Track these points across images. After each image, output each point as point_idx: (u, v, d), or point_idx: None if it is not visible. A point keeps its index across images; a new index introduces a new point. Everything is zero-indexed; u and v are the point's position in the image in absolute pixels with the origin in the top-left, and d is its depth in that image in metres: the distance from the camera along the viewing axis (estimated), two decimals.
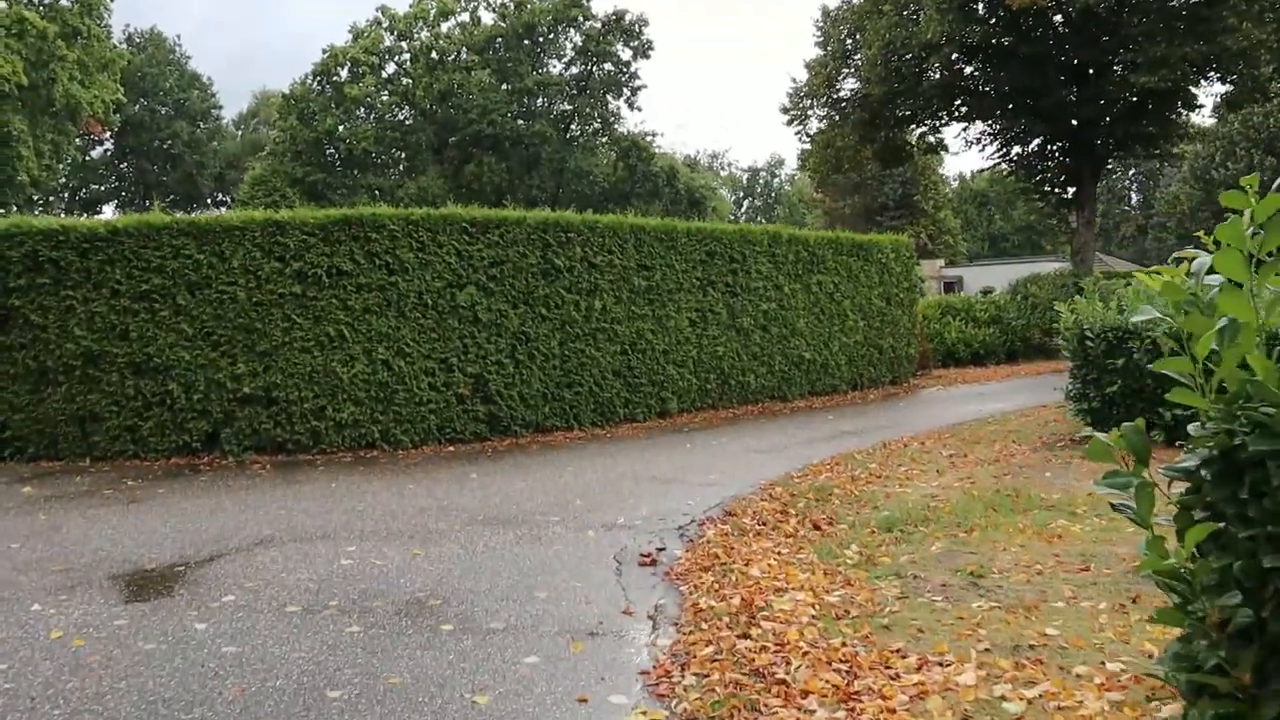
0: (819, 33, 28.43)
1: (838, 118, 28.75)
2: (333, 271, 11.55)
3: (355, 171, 48.31)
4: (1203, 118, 31.19)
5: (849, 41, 27.68)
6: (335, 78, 47.39)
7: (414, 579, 6.11)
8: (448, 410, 12.04)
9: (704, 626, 5.21)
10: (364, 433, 11.58)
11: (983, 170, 42.45)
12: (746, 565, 6.45)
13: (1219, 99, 27.44)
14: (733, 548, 6.98)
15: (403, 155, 49.53)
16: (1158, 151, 29.19)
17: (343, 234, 11.62)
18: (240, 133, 75.27)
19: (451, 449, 11.76)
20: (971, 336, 24.19)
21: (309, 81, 47.88)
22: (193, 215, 11.79)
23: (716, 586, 5.96)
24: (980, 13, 25.48)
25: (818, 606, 5.55)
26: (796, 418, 14.65)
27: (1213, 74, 25.31)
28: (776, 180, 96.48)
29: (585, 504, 8.42)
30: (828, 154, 29.24)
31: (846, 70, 28.26)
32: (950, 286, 40.20)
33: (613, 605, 5.63)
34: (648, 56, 46.81)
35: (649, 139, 47.17)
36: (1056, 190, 29.03)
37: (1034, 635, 5.06)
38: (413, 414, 11.78)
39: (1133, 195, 79.85)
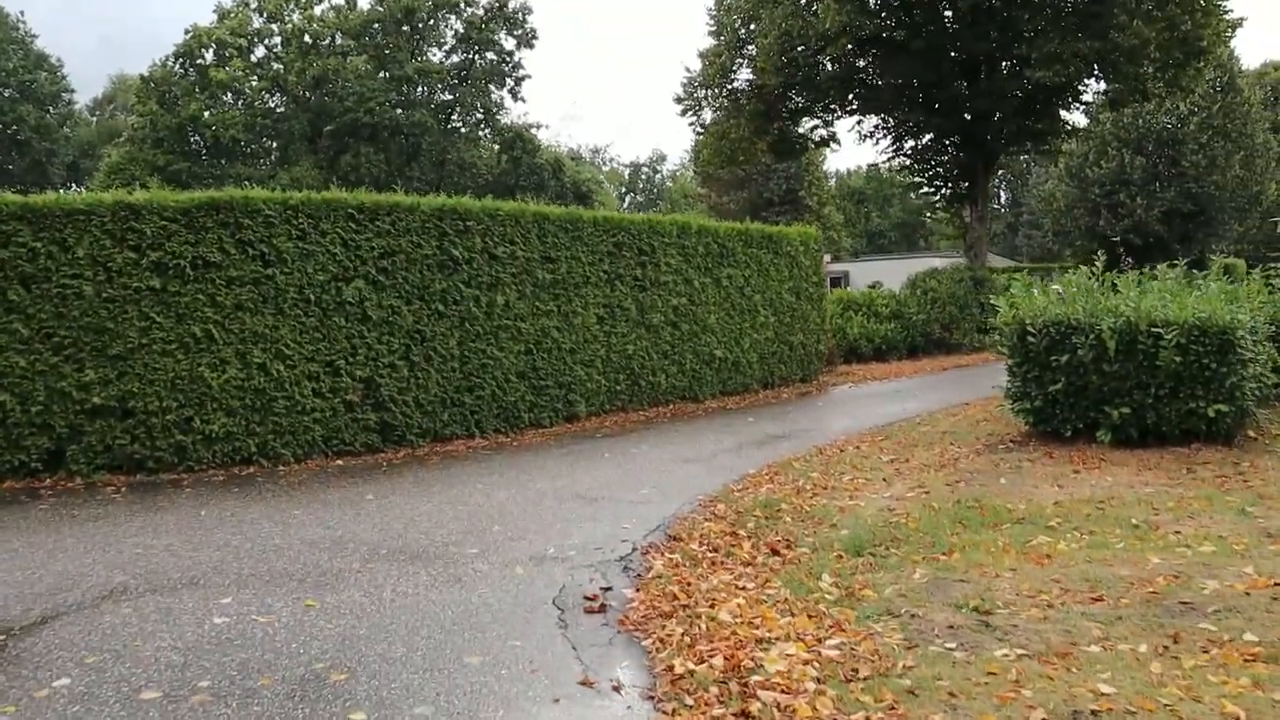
0: (713, 22, 27.68)
1: (732, 108, 28.04)
2: (198, 263, 10.06)
3: (223, 161, 45.49)
4: (1079, 116, 31.51)
5: (743, 31, 26.97)
6: (200, 60, 44.55)
7: (309, 643, 4.88)
8: (335, 419, 10.68)
9: (688, 701, 4.16)
10: (238, 447, 10.13)
11: (875, 164, 42.44)
12: (713, 607, 5.43)
13: (1102, 98, 27.64)
14: (689, 583, 5.95)
15: (274, 144, 46.92)
16: (1046, 147, 29.40)
17: (209, 220, 10.13)
18: (96, 119, 70.78)
19: (340, 463, 10.41)
20: (874, 332, 23.74)
21: (170, 64, 44.91)
22: (27, 196, 10.10)
23: (687, 640, 4.91)
24: (876, 4, 25.08)
25: (817, 664, 4.56)
26: (714, 420, 13.72)
27: (1099, 72, 25.43)
28: (659, 175, 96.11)
29: (506, 531, 7.27)
30: (722, 145, 28.51)
31: (741, 60, 27.56)
32: (837, 281, 40.04)
33: (565, 672, 4.53)
34: (531, 46, 45.46)
35: (533, 130, 45.87)
36: (950, 184, 28.93)
37: (1087, 694, 4.18)
38: (295, 424, 10.38)
39: (1001, 194, 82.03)
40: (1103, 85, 26.83)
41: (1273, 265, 13.50)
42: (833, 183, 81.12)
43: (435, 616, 5.27)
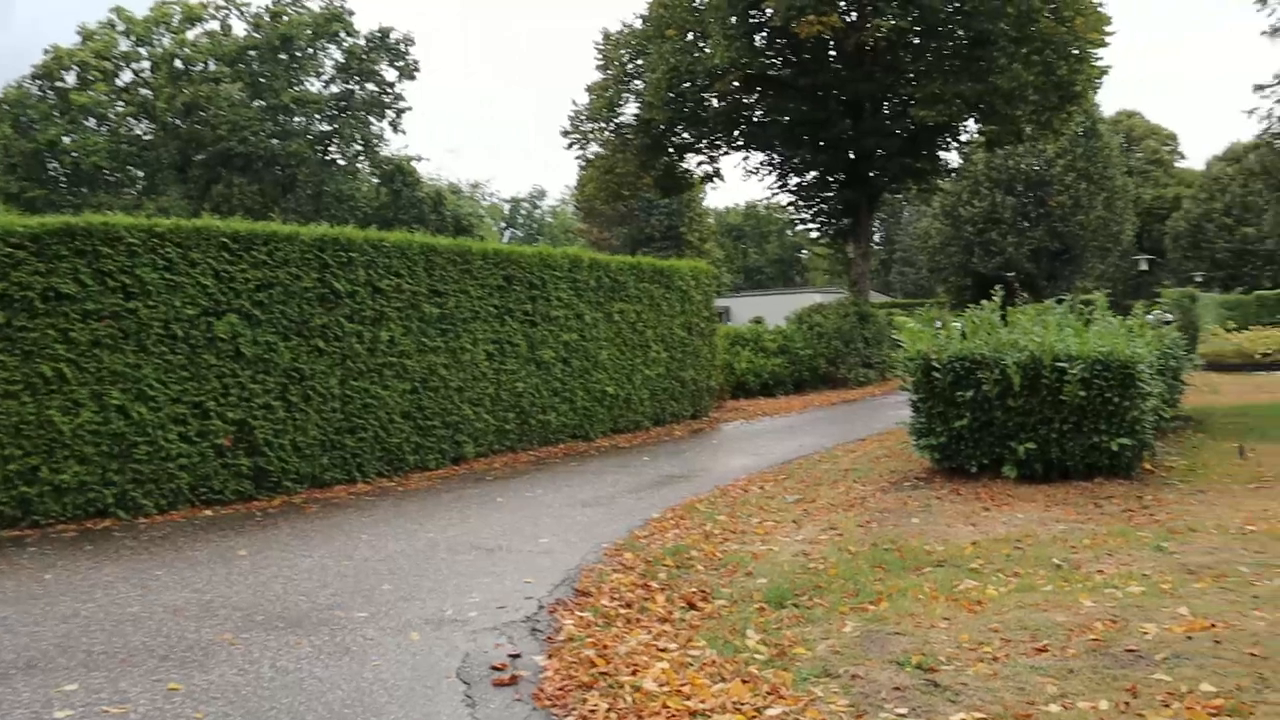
0: (600, 56, 27.48)
1: (619, 143, 27.82)
2: (49, 295, 9.10)
3: (84, 189, 43.03)
4: (955, 156, 32.37)
5: (631, 66, 26.84)
6: (60, 83, 42.19)
7: None
8: (204, 465, 9.78)
9: None
10: (93, 498, 9.15)
11: (753, 202, 42.86)
12: (636, 674, 4.90)
13: (979, 138, 28.38)
14: (605, 646, 5.40)
15: (141, 173, 44.66)
16: (927, 186, 30.03)
17: (63, 247, 9.19)
18: None
19: (209, 513, 9.51)
20: (761, 366, 23.64)
21: (26, 85, 42.44)
22: None
23: (613, 717, 4.36)
24: (764, 42, 25.25)
25: None
26: (608, 460, 13.20)
27: (977, 114, 26.07)
28: (539, 210, 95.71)
29: (397, 589, 6.59)
30: (608, 180, 28.24)
31: (628, 95, 27.41)
32: (718, 317, 40.19)
33: None
34: (413, 77, 44.57)
35: (414, 163, 44.89)
36: (834, 221, 29.25)
37: None
38: (158, 472, 9.45)
39: (876, 232, 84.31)
40: (980, 126, 27.51)
41: (1129, 300, 13.77)
42: (711, 219, 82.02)
43: (322, 698, 4.60)
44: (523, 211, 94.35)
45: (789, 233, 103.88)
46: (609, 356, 15.51)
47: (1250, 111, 28.11)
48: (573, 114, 28.28)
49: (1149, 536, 7.92)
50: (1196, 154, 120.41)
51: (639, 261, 16.60)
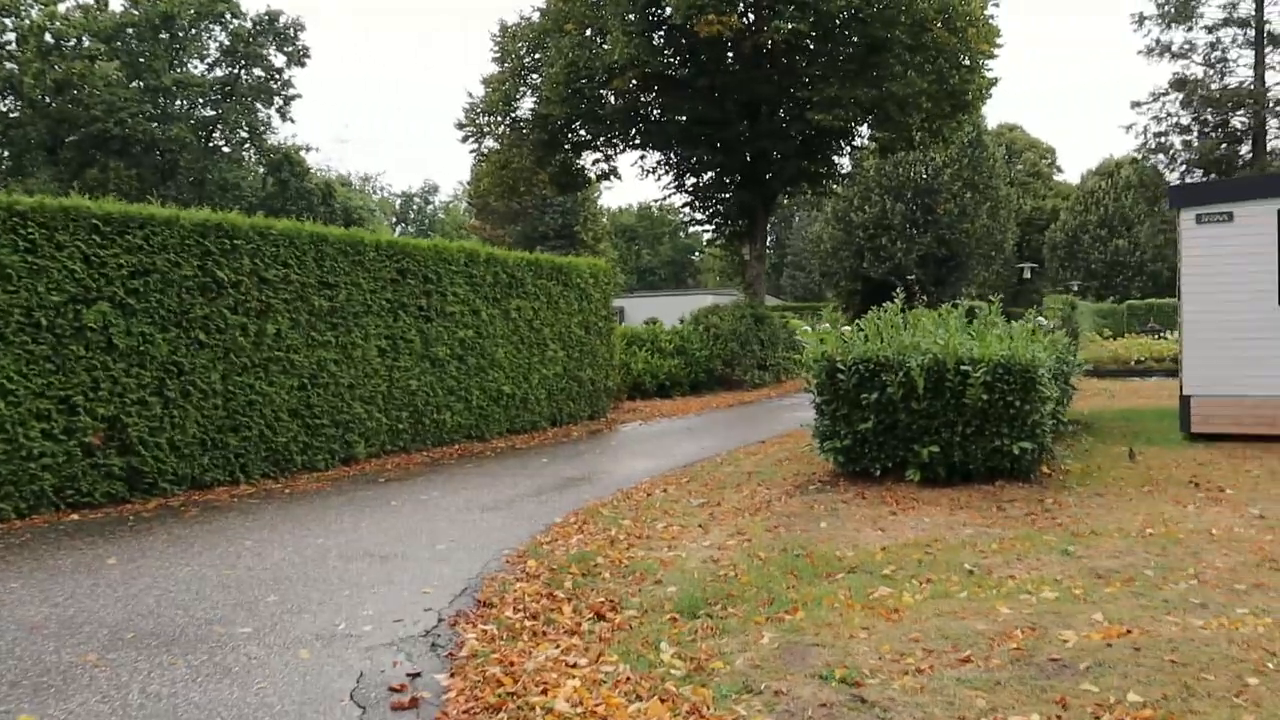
0: (497, 48, 26.91)
1: (515, 137, 27.32)
2: None
3: None
4: (847, 162, 32.77)
5: (529, 59, 26.38)
6: None
7: None
8: (70, 465, 9.05)
9: None
10: None
11: (646, 203, 42.79)
12: (546, 694, 4.56)
13: (873, 144, 28.77)
14: (512, 662, 5.05)
15: (6, 153, 42.12)
16: (822, 189, 30.31)
17: None
18: None
19: (76, 517, 8.80)
20: (658, 367, 23.47)
21: None
22: None
23: None
24: (662, 40, 25.10)
25: None
26: (506, 462, 12.79)
27: (872, 119, 26.39)
28: (430, 206, 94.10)
29: (284, 601, 6.11)
30: (503, 175, 27.72)
31: (525, 89, 26.94)
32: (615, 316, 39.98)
33: None
34: (302, 64, 43.00)
35: (302, 153, 43.37)
36: (730, 222, 29.29)
37: None
38: (18, 473, 8.69)
39: (768, 236, 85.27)
40: (873, 132, 27.88)
41: (1013, 307, 14.00)
42: (606, 219, 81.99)
43: None
44: (414, 206, 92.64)
45: (682, 234, 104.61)
46: (506, 355, 15.09)
47: (1128, 127, 29.25)
48: (468, 107, 27.68)
49: (1054, 540, 7.93)
50: (1073, 168, 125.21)
51: (537, 258, 16.21)
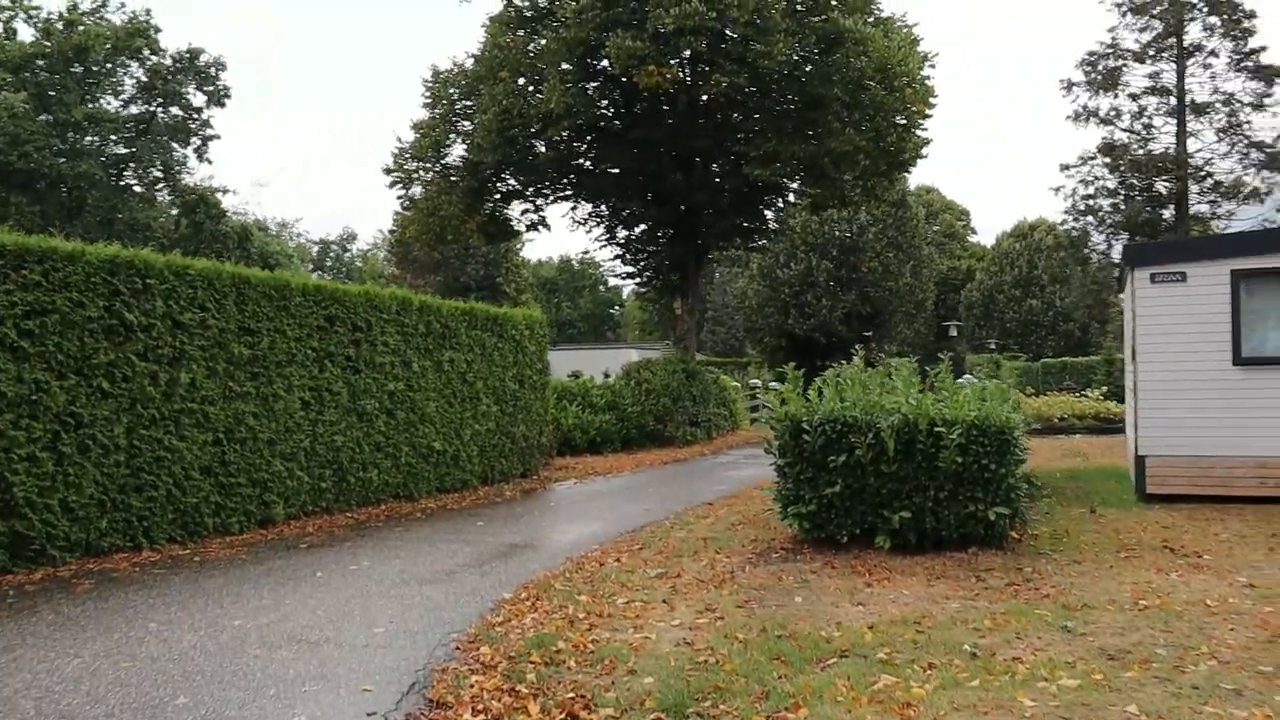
0: (428, 93, 26.14)
1: (444, 184, 26.48)
2: None
3: None
4: (773, 218, 32.58)
5: (460, 105, 25.65)
6: None
7: None
8: None
9: None
10: None
11: (576, 255, 42.27)
12: None
13: (806, 200, 28.57)
14: None
15: None
16: (754, 244, 29.99)
17: None
18: None
19: None
20: (589, 423, 22.66)
21: None
22: None
23: None
24: (598, 91, 24.64)
25: None
26: (438, 525, 11.82)
27: (806, 176, 26.18)
28: (348, 254, 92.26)
29: (196, 705, 5.12)
30: (431, 222, 26.78)
31: (456, 135, 26.17)
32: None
33: None
34: (222, 104, 41.62)
35: (219, 195, 41.84)
36: (661, 276, 28.77)
37: None
38: None
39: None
40: (807, 189, 27.68)
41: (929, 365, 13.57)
42: (528, 271, 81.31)
43: None
44: (332, 254, 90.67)
45: (602, 288, 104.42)
46: (437, 409, 14.16)
47: (1056, 189, 29.67)
48: (397, 151, 26.77)
49: (1049, 615, 7.34)
50: (985, 230, 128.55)
51: (471, 307, 15.37)
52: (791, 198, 28.10)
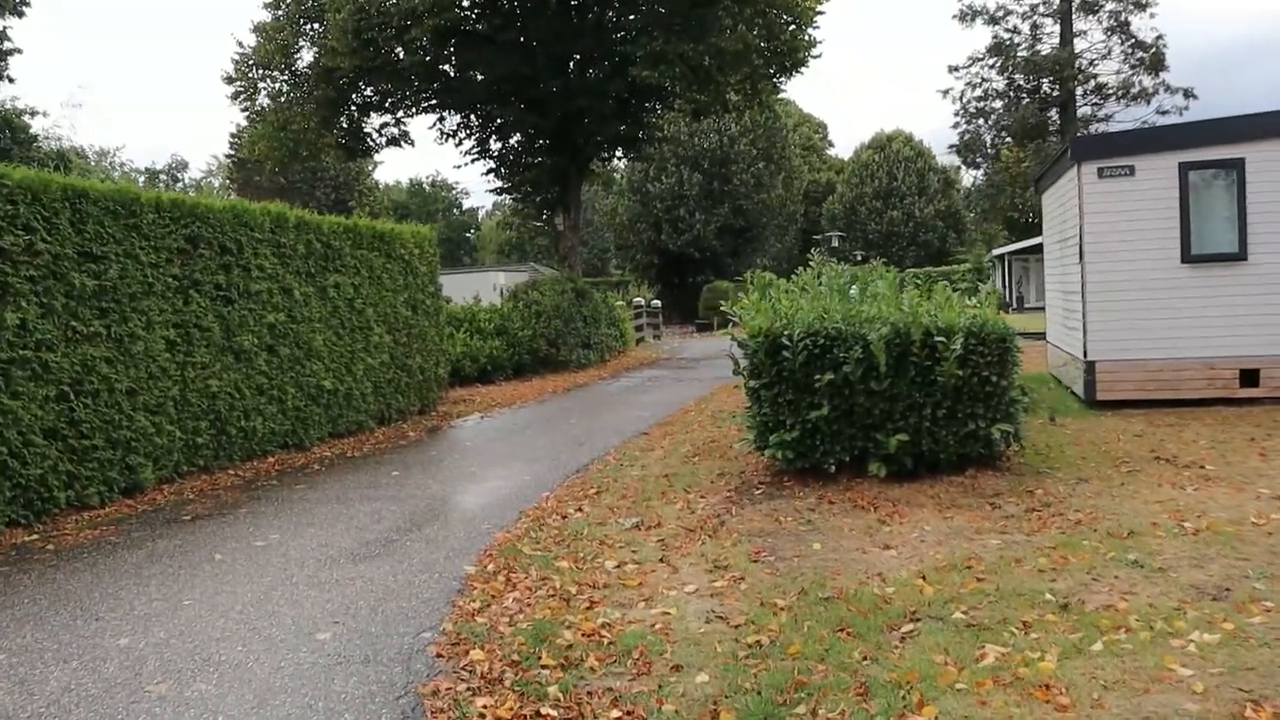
0: None
1: (296, 94, 23.83)
2: None
3: None
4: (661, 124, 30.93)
5: (308, 3, 22.92)
6: None
7: None
8: None
9: None
10: None
11: (458, 167, 39.72)
12: None
13: (689, 106, 26.98)
14: None
15: None
16: (635, 155, 28.33)
17: None
18: None
19: None
20: (478, 350, 20.86)
21: None
22: None
23: None
24: None
25: None
26: (344, 477, 10.08)
27: (692, 77, 24.59)
28: (180, 184, 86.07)
29: None
30: (283, 137, 24.10)
31: (306, 38, 23.47)
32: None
33: None
34: (20, 14, 36.91)
35: (25, 116, 37.29)
36: (540, 190, 26.84)
37: None
38: None
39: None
40: (690, 94, 26.07)
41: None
42: (380, 194, 77.48)
43: None
44: (161, 184, 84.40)
45: (456, 211, 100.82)
46: (325, 342, 12.26)
47: (945, 92, 28.96)
48: (238, 57, 23.89)
49: (1102, 547, 6.38)
50: (841, 142, 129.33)
51: (355, 223, 13.38)
52: (676, 103, 26.45)
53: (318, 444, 12.04)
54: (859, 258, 56.50)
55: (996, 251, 45.24)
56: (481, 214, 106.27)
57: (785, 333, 8.41)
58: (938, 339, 8.18)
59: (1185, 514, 7.19)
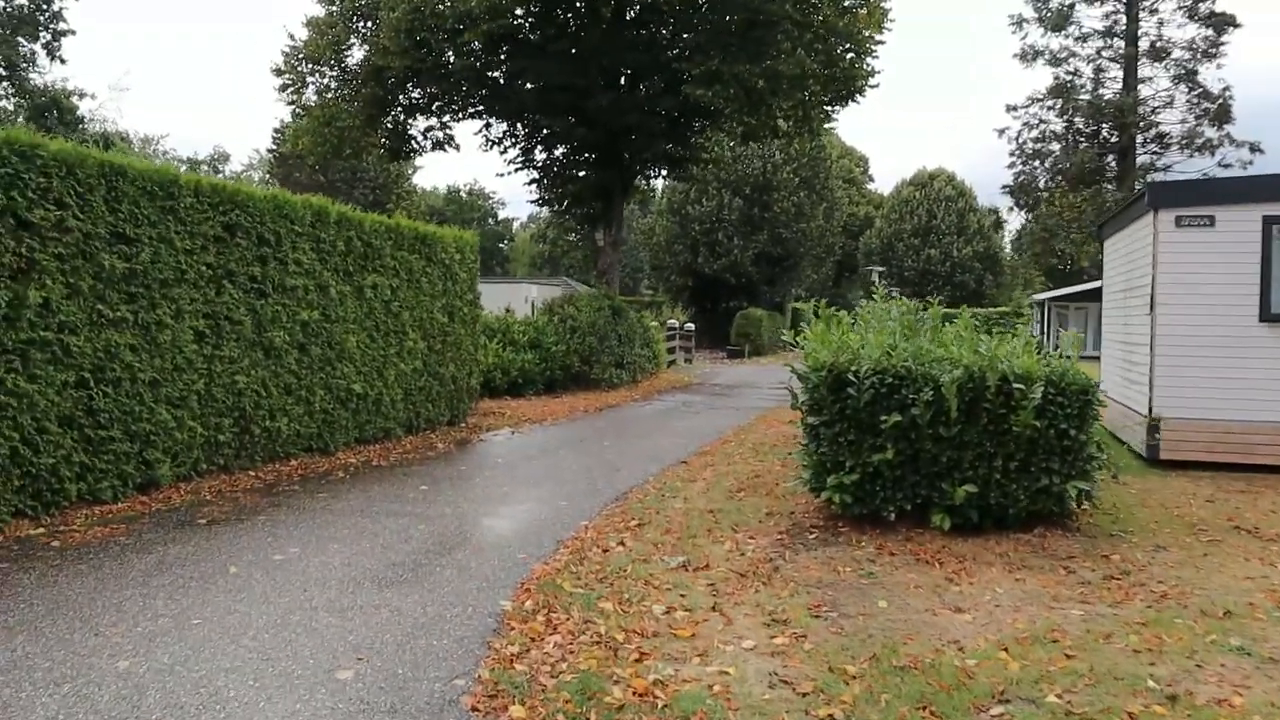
0: None
1: (344, 90, 23.53)
2: None
3: None
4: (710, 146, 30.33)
5: (362, 1, 22.64)
6: None
7: None
8: None
9: None
10: None
11: (501, 175, 39.44)
12: None
13: (738, 129, 26.48)
14: None
15: None
16: (680, 175, 27.86)
17: None
18: None
19: None
20: (510, 362, 20.40)
21: None
22: None
23: None
24: None
25: None
26: (369, 487, 9.58)
27: (745, 100, 24.09)
28: (220, 176, 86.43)
29: None
30: (328, 133, 23.78)
31: (357, 37, 23.18)
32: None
33: None
34: None
35: (74, 98, 37.30)
36: (583, 205, 26.39)
37: None
38: None
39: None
40: (741, 117, 25.54)
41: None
42: (418, 198, 77.40)
43: None
44: (202, 173, 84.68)
45: (491, 220, 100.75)
46: (358, 344, 11.81)
47: (1001, 131, 28.32)
48: (288, 50, 23.62)
49: (1196, 627, 5.80)
50: (880, 177, 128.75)
51: (398, 223, 12.94)
52: (726, 125, 25.94)
53: (343, 450, 11.57)
54: (895, 294, 55.99)
55: (1038, 297, 44.44)
56: (516, 225, 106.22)
57: (851, 368, 7.85)
58: (1015, 385, 7.61)
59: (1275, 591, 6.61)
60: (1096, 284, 37.48)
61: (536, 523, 8.17)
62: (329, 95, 23.92)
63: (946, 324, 10.26)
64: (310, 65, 23.59)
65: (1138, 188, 28.97)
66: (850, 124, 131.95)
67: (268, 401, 10.21)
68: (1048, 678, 4.89)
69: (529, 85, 23.96)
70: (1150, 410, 12.08)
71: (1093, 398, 7.89)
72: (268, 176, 61.13)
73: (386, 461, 11.27)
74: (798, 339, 8.83)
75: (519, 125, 25.68)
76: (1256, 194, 12.09)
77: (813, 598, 6.16)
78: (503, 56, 23.58)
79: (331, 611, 5.42)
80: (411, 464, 11.18)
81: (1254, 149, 28.15)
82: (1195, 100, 28.76)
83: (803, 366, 8.28)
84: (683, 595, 6.15)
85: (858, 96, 23.34)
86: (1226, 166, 27.98)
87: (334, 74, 23.71)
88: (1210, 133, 28.31)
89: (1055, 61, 29.73)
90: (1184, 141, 28.73)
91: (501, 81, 24.17)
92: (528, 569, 6.55)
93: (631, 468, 11.25)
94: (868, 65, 23.06)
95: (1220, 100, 28.39)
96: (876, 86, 23.13)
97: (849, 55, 22.33)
